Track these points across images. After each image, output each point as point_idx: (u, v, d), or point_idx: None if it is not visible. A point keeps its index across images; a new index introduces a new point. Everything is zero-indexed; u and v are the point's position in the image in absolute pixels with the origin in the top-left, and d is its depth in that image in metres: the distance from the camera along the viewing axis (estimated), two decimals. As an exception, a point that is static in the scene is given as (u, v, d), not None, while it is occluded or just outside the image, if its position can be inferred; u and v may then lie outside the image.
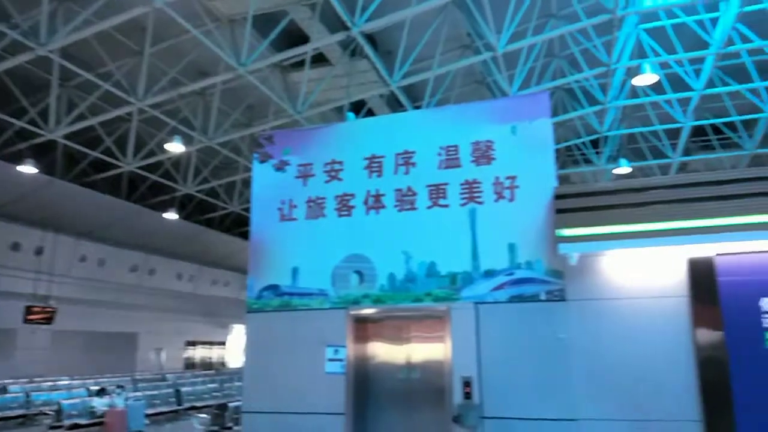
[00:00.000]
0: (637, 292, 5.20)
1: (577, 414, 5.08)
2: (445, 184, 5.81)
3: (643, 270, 5.22)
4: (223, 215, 23.54)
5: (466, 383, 5.39)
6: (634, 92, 16.10)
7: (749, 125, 17.83)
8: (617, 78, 15.31)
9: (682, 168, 20.00)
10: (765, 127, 17.13)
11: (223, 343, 30.00)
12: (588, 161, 19.75)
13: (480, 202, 5.64)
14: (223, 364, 29.41)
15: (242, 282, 23.81)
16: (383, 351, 6.28)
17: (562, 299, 5.25)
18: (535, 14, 12.37)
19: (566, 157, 20.66)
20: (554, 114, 17.38)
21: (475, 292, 5.51)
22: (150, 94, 12.89)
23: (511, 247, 5.43)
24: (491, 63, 13.98)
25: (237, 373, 19.94)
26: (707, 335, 4.91)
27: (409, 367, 6.15)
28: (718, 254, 5.00)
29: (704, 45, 13.54)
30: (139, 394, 14.34)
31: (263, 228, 6.49)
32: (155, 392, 14.83)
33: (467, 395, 5.38)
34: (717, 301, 4.94)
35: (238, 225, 24.19)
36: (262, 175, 6.65)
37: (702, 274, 5.00)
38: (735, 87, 15.29)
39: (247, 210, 14.23)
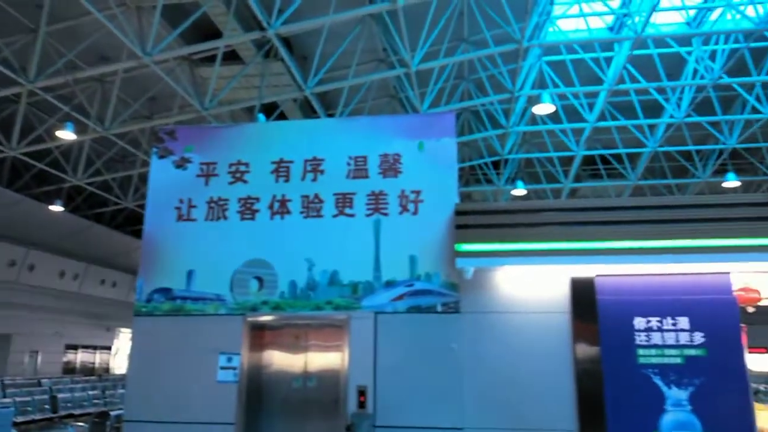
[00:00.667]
0: (525, 307, 5.52)
1: (466, 423, 5.27)
2: (353, 193, 5.84)
3: (532, 286, 5.55)
4: (115, 211, 22.03)
5: (361, 392, 5.42)
6: (534, 119, 17.17)
7: (633, 158, 19.62)
8: (519, 105, 16.26)
9: (573, 193, 21.57)
10: (647, 160, 18.93)
11: (109, 348, 27.98)
12: (489, 181, 20.73)
13: (385, 214, 5.73)
14: (107, 369, 27.40)
15: (132, 283, 22.38)
16: (280, 359, 6.16)
17: (457, 311, 5.45)
18: (448, 37, 12.84)
19: (470, 175, 21.56)
20: (460, 134, 18.15)
21: (375, 302, 5.57)
22: (43, 75, 11.83)
23: (412, 259, 5.56)
24: (404, 79, 14.32)
25: (122, 380, 18.63)
26: (585, 350, 5.31)
27: (306, 375, 6.07)
28: (598, 275, 5.43)
29: (599, 81, 14.75)
30: (7, 400, 12.96)
31: (158, 227, 6.15)
32: (27, 398, 13.47)
33: (361, 404, 5.41)
34: (595, 318, 5.36)
35: (132, 222, 22.74)
36: (160, 171, 6.32)
37: (583, 293, 5.41)
38: (623, 122, 16.77)
39: (142, 207, 13.41)
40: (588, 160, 20.04)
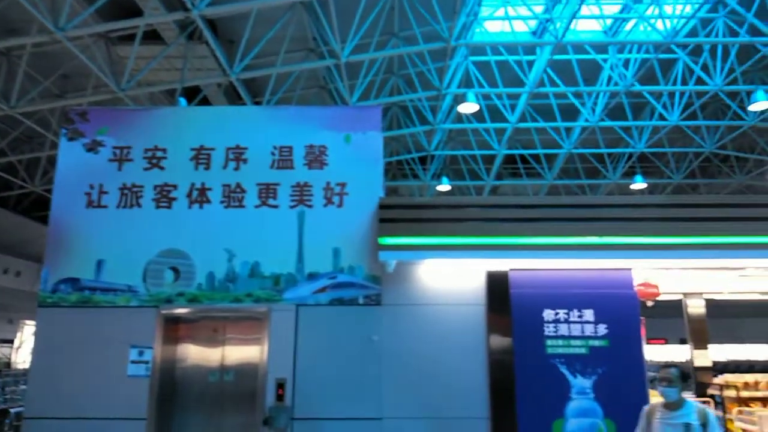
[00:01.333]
0: (444, 299, 5.68)
1: (384, 413, 5.36)
2: (277, 184, 5.75)
3: (451, 279, 5.71)
4: (20, 195, 20.39)
5: (280, 385, 5.38)
6: (460, 118, 17.60)
7: (550, 159, 20.60)
8: (446, 103, 16.60)
9: (494, 190, 22.35)
10: (563, 161, 19.93)
11: (11, 342, 25.94)
12: (416, 176, 21.06)
13: (309, 206, 5.69)
14: (8, 364, 25.40)
15: (39, 273, 20.86)
16: (196, 353, 5.98)
17: (378, 304, 5.52)
18: (379, 30, 12.87)
19: (397, 170, 21.81)
20: (389, 128, 18.31)
21: (297, 294, 5.52)
22: (-64, 45, 10.72)
23: (336, 252, 5.56)
24: (334, 70, 14.23)
25: (25, 375, 17.34)
26: (498, 341, 5.54)
27: (223, 369, 5.94)
28: (512, 269, 5.68)
29: (521, 83, 15.32)
30: None
31: (66, 213, 5.77)
32: None
33: (279, 397, 5.36)
34: (509, 310, 5.61)
35: (39, 208, 21.14)
36: (69, 154, 5.93)
37: (498, 286, 5.64)
38: (541, 124, 17.54)
39: (50, 192, 12.46)
40: (509, 159, 20.82)
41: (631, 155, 19.70)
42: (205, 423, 5.81)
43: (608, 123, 17.34)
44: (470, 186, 21.78)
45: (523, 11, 13.84)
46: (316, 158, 5.77)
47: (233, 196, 5.76)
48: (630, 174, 20.10)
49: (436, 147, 19.35)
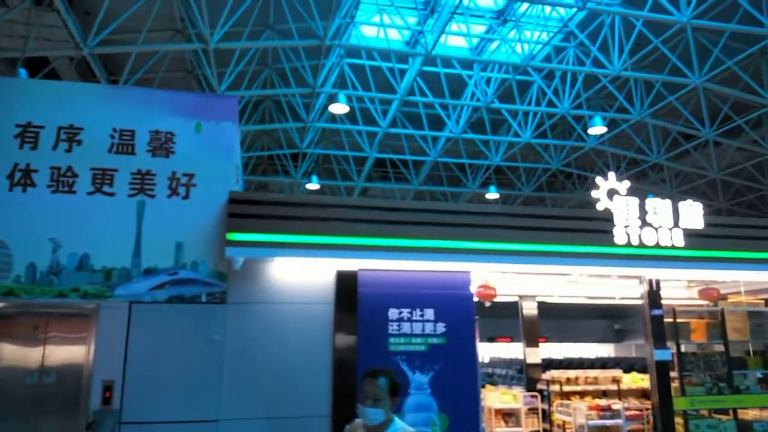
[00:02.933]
0: (293, 298, 5.63)
1: (222, 415, 5.18)
2: (114, 170, 5.31)
3: (301, 278, 5.68)
4: None
5: (107, 387, 4.97)
6: (333, 118, 17.69)
7: (417, 165, 21.46)
8: (320, 101, 16.59)
9: (364, 192, 22.77)
10: (428, 168, 20.87)
11: None
12: (287, 172, 20.79)
13: (151, 195, 5.33)
14: None
15: None
16: (11, 353, 5.32)
17: (223, 302, 5.32)
18: (253, 20, 12.51)
19: (268, 165, 21.36)
20: (261, 122, 17.87)
21: (131, 291, 5.14)
22: None
23: (179, 246, 5.27)
24: (202, 56, 13.56)
25: None
26: (344, 339, 5.61)
27: (43, 370, 5.35)
28: (361, 269, 5.79)
29: (393, 90, 15.78)
30: None
31: None
32: None
33: (106, 400, 4.95)
34: (355, 309, 5.71)
35: None
36: None
37: (347, 285, 5.72)
38: (410, 131, 18.22)
39: None
40: (379, 163, 21.34)
41: (488, 167, 21.16)
42: (20, 429, 5.19)
43: (470, 135, 18.47)
44: (341, 186, 21.97)
45: (398, 21, 14.31)
46: (161, 145, 5.41)
47: (63, 181, 5.21)
48: (487, 184, 21.59)
49: (309, 145, 19.25)
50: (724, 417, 6.48)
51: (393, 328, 5.82)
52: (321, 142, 19.98)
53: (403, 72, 15.71)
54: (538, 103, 16.77)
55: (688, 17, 11.75)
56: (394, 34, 14.77)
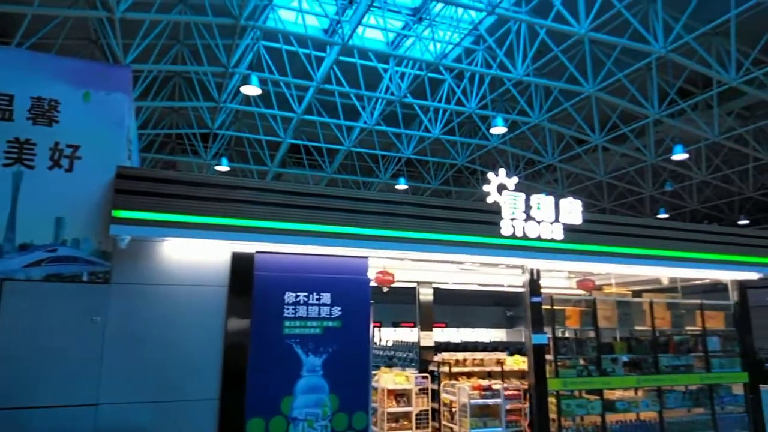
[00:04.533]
0: (184, 280, 5.52)
1: (104, 398, 5.00)
2: (-12, 137, 4.92)
3: (194, 259, 5.58)
4: None
5: (-29, 371, 4.63)
6: (248, 100, 17.29)
7: (332, 153, 21.48)
8: (233, 82, 16.15)
9: (277, 177, 22.49)
10: (342, 157, 20.95)
11: None
12: (196, 153, 20.06)
13: (30, 166, 5.00)
14: None
15: None
16: None
17: (107, 282, 5.12)
18: (162, -9, 11.95)
19: (176, 144, 20.50)
20: (170, 99, 17.10)
21: (3, 267, 4.81)
22: None
23: (59, 221, 4.99)
24: (107, 24, 12.75)
25: None
26: (236, 322, 5.59)
27: None
28: (258, 252, 5.78)
29: (309, 77, 15.66)
30: None
31: None
32: None
33: (-31, 384, 4.62)
34: (250, 292, 5.70)
35: None
36: None
37: (242, 268, 5.69)
38: (326, 119, 18.20)
39: None
40: (294, 149, 21.15)
41: (400, 159, 21.62)
42: None
43: (383, 128, 18.77)
44: (253, 170, 21.54)
45: (317, 8, 14.21)
46: (44, 113, 5.08)
47: (-74, 145, 4.76)
48: (398, 176, 22.06)
49: (220, 126, 18.69)
50: (592, 397, 7.13)
51: (289, 311, 5.87)
52: (234, 124, 19.47)
53: (320, 60, 15.65)
54: (448, 101, 17.36)
55: (586, 29, 12.63)
56: (312, 21, 14.67)
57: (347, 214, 5.88)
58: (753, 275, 7.92)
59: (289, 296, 5.91)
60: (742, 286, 8.12)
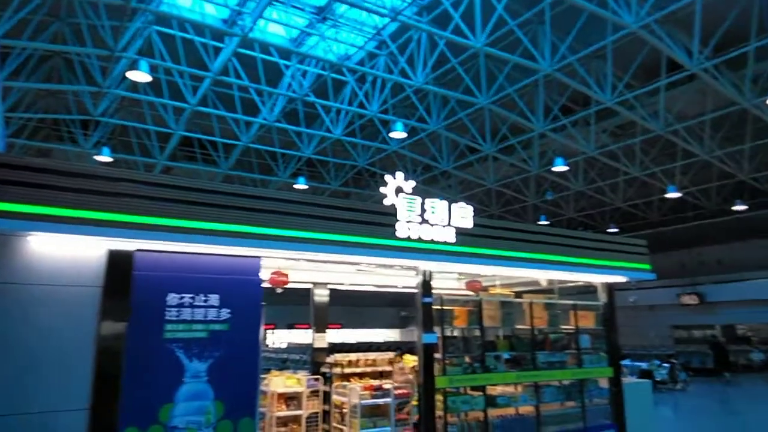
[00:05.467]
0: (51, 279, 5.00)
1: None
2: None
3: (61, 256, 5.08)
4: None
5: None
6: (136, 87, 16.18)
7: (228, 148, 20.70)
8: (120, 67, 15.03)
9: (166, 171, 21.25)
10: (239, 153, 20.26)
11: None
12: (74, 141, 18.43)
13: None
14: None
15: None
16: None
17: (-45, 280, 4.51)
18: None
19: (52, 130, 18.69)
20: (47, 81, 15.56)
21: None
22: None
23: None
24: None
25: None
26: (111, 326, 5.14)
27: None
28: (139, 250, 5.39)
29: (206, 67, 14.96)
30: None
31: None
32: None
33: None
34: (128, 293, 5.28)
35: None
36: None
37: (119, 267, 5.26)
38: (222, 113, 17.50)
39: None
40: (186, 142, 20.13)
41: (300, 158, 21.37)
42: None
43: (284, 125, 18.43)
44: (139, 162, 20.19)
45: (216, -5, 13.63)
46: None
47: None
48: (297, 175, 21.79)
49: (103, 113, 17.30)
50: (476, 393, 7.45)
51: (171, 314, 5.52)
52: (119, 111, 18.12)
53: (218, 50, 15.02)
54: (350, 103, 17.43)
55: (481, 44, 13.26)
56: (210, 10, 14.04)
57: (239, 212, 5.65)
58: (620, 278, 8.72)
59: (173, 298, 5.56)
60: (610, 288, 8.91)
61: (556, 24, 13.51)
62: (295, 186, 20.76)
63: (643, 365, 18.15)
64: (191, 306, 5.62)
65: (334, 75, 16.68)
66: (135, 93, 16.45)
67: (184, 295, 5.60)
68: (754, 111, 15.40)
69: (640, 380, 9.96)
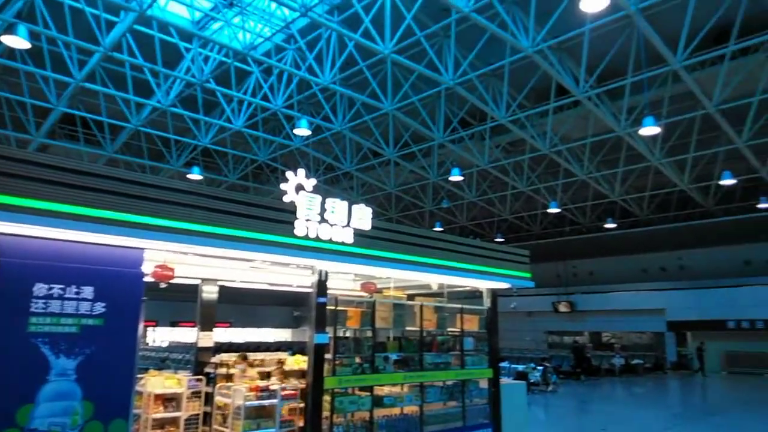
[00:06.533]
0: None
1: None
2: None
3: None
4: None
5: None
6: (12, 53, 14.55)
7: (116, 130, 19.24)
8: (-8, 29, 13.43)
9: (43, 150, 19.36)
10: (128, 136, 18.90)
11: None
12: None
13: None
14: None
15: None
16: None
17: None
18: None
19: None
20: None
21: None
22: None
23: None
24: None
25: None
26: (-36, 317, 4.58)
27: None
28: (2, 233, 4.83)
29: (96, 41, 13.78)
30: None
31: None
32: None
33: None
34: (-13, 281, 4.72)
35: None
36: None
37: (-23, 251, 4.70)
38: (111, 91, 16.22)
39: None
40: (68, 119, 18.45)
41: (196, 147, 20.40)
42: None
43: (180, 110, 17.50)
44: (11, 137, 18.18)
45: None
46: None
47: None
48: (192, 164, 20.79)
49: (-32, 80, 15.38)
50: (363, 393, 7.52)
51: (38, 305, 5.00)
52: (-11, 80, 16.20)
53: (111, 24, 13.92)
54: (253, 95, 16.95)
55: (389, 50, 13.47)
56: (104, -21, 12.98)
57: (119, 198, 5.24)
58: (504, 285, 9.23)
59: (40, 288, 5.04)
60: (494, 294, 9.41)
61: (460, 40, 14.08)
62: (189, 176, 19.77)
63: (520, 367, 19.38)
64: (61, 298, 5.14)
65: (238, 64, 16.13)
66: (11, 61, 14.79)
67: (53, 285, 5.10)
68: (628, 139, 17.09)
69: (516, 381, 10.62)
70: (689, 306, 27.64)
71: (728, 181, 18.88)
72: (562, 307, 32.57)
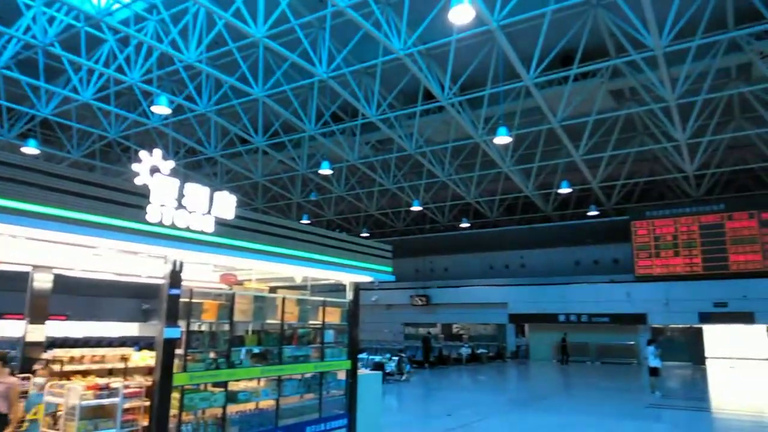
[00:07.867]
0: None
1: None
2: None
3: None
4: None
5: None
6: None
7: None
8: None
9: None
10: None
11: None
12: None
13: None
14: None
15: None
16: None
17: None
18: None
19: None
20: None
21: None
22: None
23: None
24: None
25: None
26: None
27: None
28: None
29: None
30: None
31: None
32: None
33: None
34: None
35: None
36: None
37: None
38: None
39: None
40: None
41: (33, 117, 18.07)
42: None
43: (15, 74, 15.36)
44: None
45: None
46: None
47: None
48: (28, 137, 18.39)
49: None
50: (216, 389, 7.19)
51: None
52: None
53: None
54: (107, 65, 15.42)
55: (262, 34, 13.05)
56: None
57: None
58: (367, 278, 9.43)
59: None
60: (357, 287, 9.58)
61: (335, 34, 14.09)
62: (23, 149, 17.42)
63: (377, 358, 19.99)
64: None
65: (90, 29, 14.55)
66: None
67: None
68: (484, 146, 18.42)
69: (372, 372, 10.92)
70: (527, 300, 30.62)
71: (565, 190, 21.27)
72: (418, 300, 34.25)
